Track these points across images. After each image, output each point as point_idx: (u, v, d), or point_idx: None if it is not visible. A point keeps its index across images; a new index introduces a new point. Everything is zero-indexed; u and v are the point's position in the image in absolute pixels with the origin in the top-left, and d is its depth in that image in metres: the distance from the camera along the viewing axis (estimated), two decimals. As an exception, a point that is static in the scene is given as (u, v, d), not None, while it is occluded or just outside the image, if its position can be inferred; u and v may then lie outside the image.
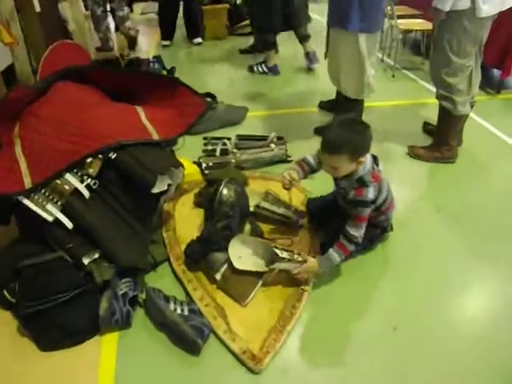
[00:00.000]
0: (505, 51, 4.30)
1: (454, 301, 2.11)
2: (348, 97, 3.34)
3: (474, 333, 1.95)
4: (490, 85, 4.62)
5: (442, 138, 3.20)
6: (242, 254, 2.19)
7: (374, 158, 2.13)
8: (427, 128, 3.67)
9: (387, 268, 2.30)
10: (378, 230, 2.38)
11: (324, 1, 9.51)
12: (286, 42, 6.71)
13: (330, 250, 2.09)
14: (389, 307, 2.07)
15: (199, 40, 6.82)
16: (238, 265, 2.13)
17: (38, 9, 4.36)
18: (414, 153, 3.30)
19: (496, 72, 4.70)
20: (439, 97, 3.09)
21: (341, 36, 3.07)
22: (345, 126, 2.01)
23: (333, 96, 3.82)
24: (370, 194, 2.03)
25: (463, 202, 2.80)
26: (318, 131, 3.56)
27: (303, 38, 5.25)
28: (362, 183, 2.04)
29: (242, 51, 6.31)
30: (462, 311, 2.08)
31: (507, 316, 2.02)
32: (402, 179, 3.05)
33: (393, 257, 2.37)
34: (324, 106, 4.11)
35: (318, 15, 7.60)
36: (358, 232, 2.06)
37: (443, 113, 3.12)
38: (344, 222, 2.09)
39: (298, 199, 2.68)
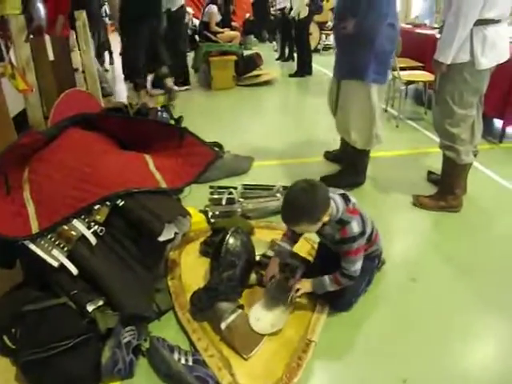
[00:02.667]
0: (505, 101, 4.40)
1: (466, 352, 2.07)
2: (356, 148, 3.41)
3: (486, 381, 1.92)
4: (492, 134, 4.69)
5: (446, 187, 3.22)
6: (261, 316, 2.18)
7: (344, 196, 2.14)
8: (431, 177, 3.69)
9: (398, 320, 2.26)
10: (375, 260, 2.41)
11: (327, 54, 9.77)
12: (295, 93, 6.85)
13: (325, 277, 2.16)
14: (399, 359, 2.02)
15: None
16: (256, 327, 2.12)
17: (51, 57, 4.47)
18: (419, 202, 3.30)
19: (497, 121, 4.77)
20: (443, 147, 3.13)
21: (354, 88, 3.21)
22: (298, 196, 2.01)
23: (335, 146, 3.87)
24: (355, 228, 2.05)
25: (470, 252, 2.78)
26: (323, 180, 3.60)
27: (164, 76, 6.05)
28: (342, 223, 2.06)
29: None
30: (474, 363, 2.03)
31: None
32: (407, 229, 3.05)
33: (403, 309, 2.34)
34: (329, 156, 4.15)
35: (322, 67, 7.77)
36: (353, 267, 2.09)
37: (447, 162, 3.15)
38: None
39: (303, 249, 2.67)
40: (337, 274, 2.13)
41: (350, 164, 3.65)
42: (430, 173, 3.75)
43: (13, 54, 3.22)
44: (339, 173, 3.71)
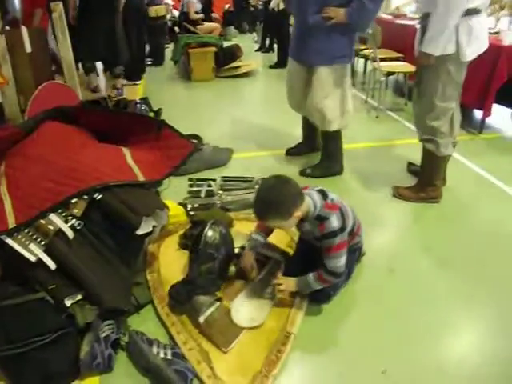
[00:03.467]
0: (484, 92, 4.43)
1: (443, 343, 2.10)
2: (330, 132, 3.53)
3: (462, 373, 1.94)
4: (472, 125, 4.75)
5: (426, 179, 3.25)
6: (242, 308, 2.19)
7: (322, 192, 2.15)
8: (411, 168, 3.72)
9: (377, 312, 2.28)
10: (356, 253, 2.43)
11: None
12: (275, 84, 6.85)
13: (310, 275, 2.15)
14: (378, 351, 2.05)
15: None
16: (236, 319, 2.13)
17: (28, 49, 4.40)
18: (398, 193, 3.33)
19: (477, 112, 4.82)
20: (422, 139, 3.15)
21: (331, 72, 3.33)
22: (266, 192, 2.03)
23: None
24: (334, 223, 2.05)
25: (449, 243, 2.82)
26: (302, 173, 3.66)
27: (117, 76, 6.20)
28: (321, 219, 2.07)
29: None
30: (451, 354, 2.05)
31: (494, 356, 2.02)
32: (387, 220, 3.08)
33: (382, 300, 2.36)
34: (292, 152, 4.17)
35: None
36: (336, 263, 2.09)
37: (426, 154, 3.17)
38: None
39: (283, 241, 2.69)
40: (320, 271, 2.12)
41: (326, 155, 3.72)
42: (409, 164, 3.78)
43: (-13, 47, 3.18)
44: (317, 165, 3.74)
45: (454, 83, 2.89)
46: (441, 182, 3.29)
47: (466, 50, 2.75)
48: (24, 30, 4.26)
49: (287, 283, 2.21)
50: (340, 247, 2.08)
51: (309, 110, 3.56)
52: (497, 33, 4.70)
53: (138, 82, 7.20)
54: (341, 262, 2.10)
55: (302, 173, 3.67)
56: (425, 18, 2.80)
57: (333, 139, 3.63)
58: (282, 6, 7.86)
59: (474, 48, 2.78)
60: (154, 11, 8.19)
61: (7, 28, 3.59)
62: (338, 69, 3.33)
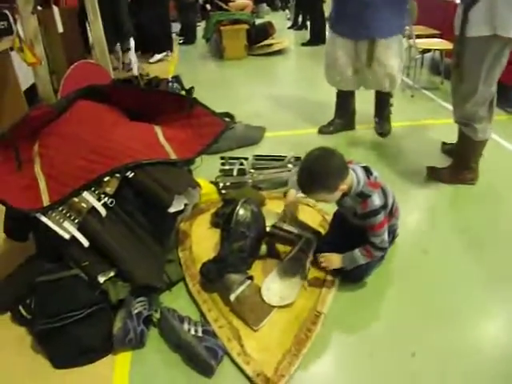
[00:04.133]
0: None
1: (475, 325, 2.07)
2: (391, 92, 3.92)
3: (494, 355, 1.91)
4: (510, 104, 4.59)
5: (462, 162, 3.16)
6: (272, 287, 2.19)
7: (366, 169, 2.13)
8: (445, 148, 3.63)
9: (409, 294, 2.25)
10: (391, 236, 2.37)
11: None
12: (307, 62, 6.77)
13: (356, 251, 2.13)
14: (409, 333, 2.02)
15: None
16: (266, 298, 2.13)
17: (60, 30, 4.44)
18: (433, 174, 3.25)
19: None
20: (459, 123, 3.03)
21: (392, 42, 3.54)
22: (311, 164, 2.01)
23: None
24: (376, 201, 2.03)
25: (485, 225, 2.75)
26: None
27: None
28: (363, 196, 2.04)
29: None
30: (484, 337, 2.02)
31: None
32: (420, 201, 3.03)
33: (414, 282, 2.33)
34: (325, 130, 4.19)
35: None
36: (382, 238, 2.09)
37: (463, 138, 3.06)
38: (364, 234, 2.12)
39: (314, 220, 2.67)
40: (368, 247, 2.11)
41: (383, 117, 4.05)
42: (444, 144, 3.69)
43: (20, 27, 3.19)
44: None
45: (499, 66, 2.75)
46: (477, 165, 3.17)
47: (509, 28, 2.56)
48: (56, 10, 4.30)
49: (330, 260, 2.20)
50: (382, 224, 2.08)
51: (376, 79, 3.72)
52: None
53: (169, 53, 7.26)
54: (385, 235, 2.10)
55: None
56: None
57: (389, 100, 3.98)
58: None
59: None
60: None
61: (39, 8, 3.61)
62: (399, 36, 3.59)
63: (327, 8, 9.89)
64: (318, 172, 1.97)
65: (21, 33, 3.13)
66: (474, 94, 2.82)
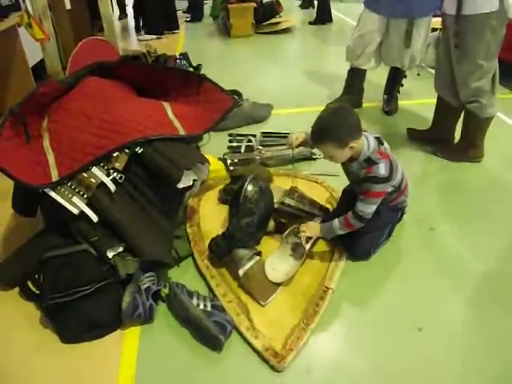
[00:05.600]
0: None
1: (483, 300, 2.07)
2: (404, 71, 3.99)
3: (502, 333, 1.91)
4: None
5: (468, 140, 3.15)
6: (277, 265, 2.18)
7: (378, 139, 2.14)
8: (412, 134, 3.58)
9: (416, 270, 2.26)
10: (399, 213, 2.41)
11: (348, 1, 9.55)
12: (314, 41, 6.72)
13: (335, 221, 2.17)
14: (416, 308, 2.03)
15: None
16: (271, 277, 2.12)
17: (68, 6, 4.42)
18: (440, 153, 3.25)
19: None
20: (466, 102, 3.02)
21: (427, 21, 3.64)
22: (327, 115, 2.03)
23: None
24: (381, 170, 2.04)
25: (491, 203, 2.75)
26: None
27: None
28: (370, 162, 2.06)
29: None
30: (492, 311, 2.02)
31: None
32: (427, 178, 3.03)
33: (421, 257, 2.34)
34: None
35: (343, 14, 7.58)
36: (366, 208, 2.09)
37: (470, 116, 3.06)
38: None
39: (322, 197, 2.67)
40: (348, 215, 2.13)
41: (397, 90, 4.10)
42: (409, 130, 3.62)
43: (29, 3, 3.18)
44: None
45: (498, 40, 2.78)
46: (482, 142, 3.17)
47: (510, 5, 2.65)
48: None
49: (311, 228, 2.23)
50: (377, 195, 2.08)
51: (400, 57, 3.78)
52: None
53: (176, 31, 7.28)
54: (372, 208, 2.09)
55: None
56: None
57: (402, 79, 4.05)
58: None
59: None
60: None
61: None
62: (430, 16, 3.65)
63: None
64: (332, 123, 1.99)
65: (29, 9, 3.11)
66: (477, 69, 2.84)
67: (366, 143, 2.06)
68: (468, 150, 3.16)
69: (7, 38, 3.20)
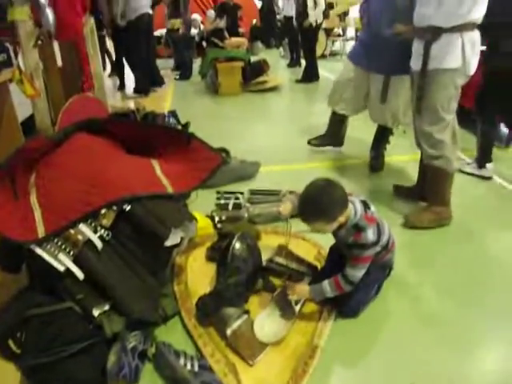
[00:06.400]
0: None
1: (473, 356, 2.06)
2: (391, 129, 4.04)
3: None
4: (499, 139, 4.63)
5: (439, 199, 3.10)
6: (265, 325, 2.15)
7: (364, 203, 2.15)
8: (400, 191, 3.57)
9: (405, 325, 2.25)
10: (387, 270, 2.41)
11: (334, 60, 9.79)
12: (301, 98, 6.86)
13: (325, 282, 2.15)
14: (406, 363, 2.01)
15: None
16: (259, 336, 2.08)
17: (59, 63, 4.50)
18: (411, 223, 3.12)
19: (503, 126, 4.72)
20: (428, 157, 3.00)
21: (403, 80, 3.48)
22: (315, 193, 2.04)
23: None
24: (370, 236, 2.06)
25: (474, 261, 2.75)
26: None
27: None
28: (358, 228, 2.07)
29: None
30: (479, 367, 2.02)
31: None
32: (413, 239, 3.01)
33: (411, 314, 2.32)
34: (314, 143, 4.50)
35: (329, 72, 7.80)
36: (357, 273, 2.10)
37: (437, 173, 3.03)
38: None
39: (310, 254, 2.66)
40: (338, 278, 2.12)
41: (381, 146, 4.16)
42: (397, 186, 3.61)
43: (21, 60, 3.23)
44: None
45: (458, 96, 2.87)
46: (449, 200, 3.13)
47: (471, 64, 2.73)
48: (56, 44, 4.36)
49: (300, 290, 2.20)
50: (366, 260, 2.10)
51: (382, 114, 3.84)
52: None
53: (162, 86, 7.64)
54: (362, 272, 2.11)
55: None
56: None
57: (388, 136, 4.13)
58: (319, 21, 7.92)
59: (476, 61, 2.76)
60: (170, 24, 8.50)
61: (40, 42, 3.66)
62: (407, 77, 3.41)
63: (320, 47, 10.16)
64: (321, 202, 2.00)
65: (21, 65, 3.16)
66: (439, 122, 2.89)
67: (352, 209, 2.07)
68: (440, 211, 3.11)
69: (-1, 94, 3.24)
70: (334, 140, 4.39)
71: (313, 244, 2.79)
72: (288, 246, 2.54)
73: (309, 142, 4.46)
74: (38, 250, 2.02)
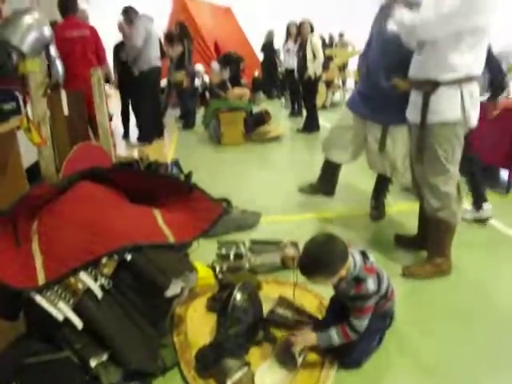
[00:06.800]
0: (510, 151, 4.38)
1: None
2: (390, 178, 4.00)
3: None
4: (500, 185, 4.69)
5: (439, 251, 3.09)
6: (267, 377, 2.13)
7: (363, 253, 2.18)
8: (401, 240, 3.56)
9: (407, 374, 2.23)
10: (387, 319, 2.39)
11: (334, 110, 9.95)
12: (302, 148, 6.93)
13: (332, 331, 2.15)
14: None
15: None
16: None
17: (66, 112, 4.58)
18: (409, 273, 3.10)
19: (503, 172, 4.78)
20: (432, 209, 2.98)
21: (403, 129, 3.45)
22: (316, 249, 2.08)
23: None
24: (370, 286, 2.08)
25: (475, 309, 2.73)
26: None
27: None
28: (358, 280, 2.08)
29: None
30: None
31: None
32: (417, 288, 2.99)
33: (413, 363, 2.30)
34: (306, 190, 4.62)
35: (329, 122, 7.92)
36: (362, 322, 2.12)
37: (439, 224, 3.02)
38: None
39: (311, 305, 2.64)
40: (345, 327, 2.12)
41: (381, 196, 4.17)
42: (398, 236, 3.61)
43: (30, 108, 3.30)
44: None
45: (460, 146, 2.87)
46: (450, 252, 3.11)
47: (471, 116, 2.75)
48: (63, 93, 4.45)
49: (306, 337, 2.19)
50: (369, 309, 2.12)
51: (381, 163, 3.83)
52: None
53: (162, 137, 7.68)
54: (366, 321, 2.13)
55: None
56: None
57: (388, 185, 4.14)
58: (318, 73, 8.09)
59: (477, 113, 2.78)
60: (179, 76, 8.66)
61: (49, 91, 3.74)
62: (405, 127, 3.39)
63: (321, 98, 10.33)
64: (322, 257, 2.03)
65: (29, 114, 3.22)
66: (445, 173, 2.88)
67: (352, 262, 2.09)
68: (437, 263, 3.09)
69: (5, 141, 3.27)
70: (326, 188, 4.47)
71: (314, 295, 2.77)
72: (290, 297, 2.53)
73: (300, 189, 4.55)
74: (38, 298, 2.01)
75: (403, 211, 4.26)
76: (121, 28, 7.24)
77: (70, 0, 5.73)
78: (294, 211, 4.34)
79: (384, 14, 3.33)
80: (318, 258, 2.03)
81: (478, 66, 2.71)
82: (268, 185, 5.26)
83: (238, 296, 2.28)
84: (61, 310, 2.00)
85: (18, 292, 2.03)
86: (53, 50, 4.00)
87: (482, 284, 3.03)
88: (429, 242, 3.19)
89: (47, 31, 3.63)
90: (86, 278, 2.10)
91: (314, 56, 8.00)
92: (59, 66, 4.11)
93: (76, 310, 2.02)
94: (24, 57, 3.28)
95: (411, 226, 3.75)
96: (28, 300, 2.02)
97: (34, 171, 3.79)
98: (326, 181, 4.44)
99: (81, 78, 4.95)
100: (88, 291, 2.07)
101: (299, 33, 8.51)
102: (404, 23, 2.80)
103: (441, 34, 2.62)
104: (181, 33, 8.54)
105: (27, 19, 3.51)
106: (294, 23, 9.36)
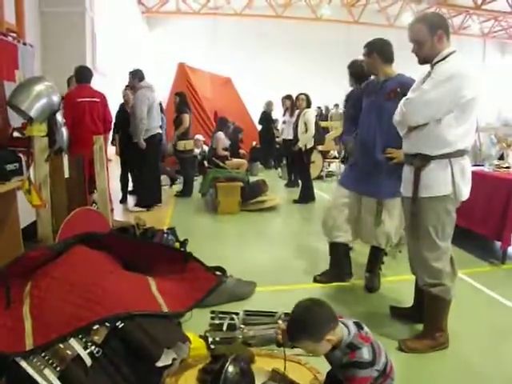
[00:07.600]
0: (501, 223, 4.40)
1: None
2: (384, 249, 3.97)
3: None
4: (494, 256, 4.67)
5: (435, 325, 3.04)
6: None
7: (357, 324, 2.14)
8: (396, 312, 3.53)
9: None
10: None
11: (330, 180, 10.04)
12: (298, 219, 6.96)
13: None
14: None
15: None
16: None
17: (66, 174, 4.62)
18: (407, 347, 3.02)
19: (497, 243, 4.74)
20: (426, 285, 2.96)
21: (396, 202, 3.56)
22: (300, 313, 2.07)
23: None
24: (365, 354, 2.02)
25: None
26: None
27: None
28: (353, 347, 2.03)
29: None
30: None
31: None
32: (415, 362, 2.92)
33: None
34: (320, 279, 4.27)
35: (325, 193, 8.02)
36: None
37: (434, 300, 2.98)
38: None
39: (306, 379, 2.56)
40: None
41: (376, 267, 4.09)
42: (393, 308, 3.57)
43: (32, 171, 3.35)
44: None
45: (452, 222, 2.88)
46: (446, 325, 3.06)
47: (462, 190, 2.78)
48: (65, 157, 4.51)
49: None
50: (363, 381, 2.01)
51: (375, 235, 3.81)
52: (508, 167, 5.06)
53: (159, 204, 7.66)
54: None
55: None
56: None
57: (382, 256, 4.08)
58: (308, 146, 8.22)
59: (468, 187, 2.81)
60: (182, 145, 8.72)
61: (52, 155, 3.80)
62: (399, 200, 3.41)
63: (317, 168, 10.46)
64: (304, 321, 2.01)
65: (31, 176, 3.26)
66: (436, 249, 2.88)
67: (345, 330, 2.06)
68: (435, 337, 3.03)
69: (5, 200, 3.29)
70: (340, 272, 4.23)
71: (309, 368, 2.68)
72: (283, 371, 2.47)
73: (315, 279, 4.26)
74: (23, 364, 1.97)
75: (399, 282, 4.22)
76: (125, 96, 7.56)
77: (87, 71, 6.14)
78: (290, 281, 4.28)
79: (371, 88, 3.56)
80: (304, 321, 2.01)
81: (467, 142, 2.77)
82: (263, 254, 5.23)
83: (230, 369, 2.22)
84: (46, 377, 1.96)
85: (4, 357, 1.98)
86: (59, 117, 4.09)
87: (480, 357, 2.98)
88: (425, 316, 3.15)
89: (56, 98, 3.73)
90: (75, 345, 2.07)
91: (306, 129, 8.17)
92: (64, 132, 4.19)
93: (63, 377, 1.97)
94: (32, 121, 3.36)
95: (407, 297, 3.70)
96: (12, 365, 1.97)
97: (29, 231, 3.78)
98: (338, 266, 4.25)
99: (86, 141, 5.05)
100: (76, 358, 2.02)
101: (295, 105, 8.77)
102: (395, 118, 2.92)
103: (422, 120, 2.74)
104: (180, 103, 8.74)
105: (39, 86, 3.61)
106: (289, 96, 9.70)
